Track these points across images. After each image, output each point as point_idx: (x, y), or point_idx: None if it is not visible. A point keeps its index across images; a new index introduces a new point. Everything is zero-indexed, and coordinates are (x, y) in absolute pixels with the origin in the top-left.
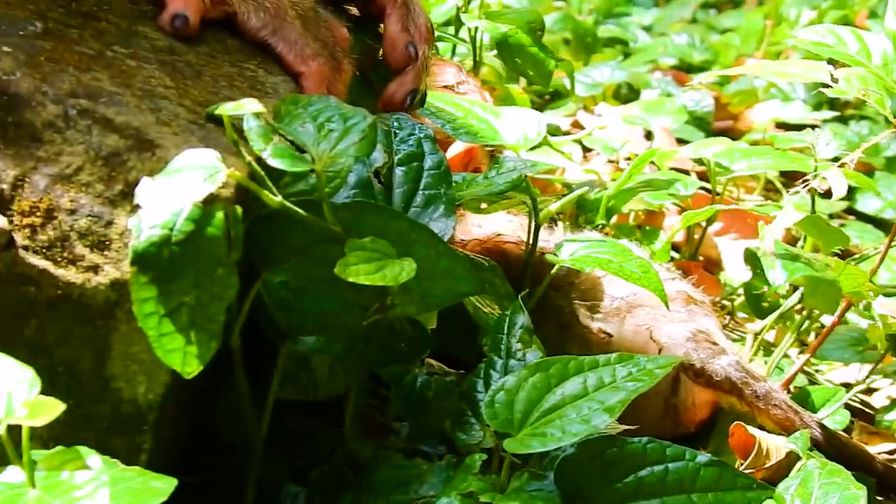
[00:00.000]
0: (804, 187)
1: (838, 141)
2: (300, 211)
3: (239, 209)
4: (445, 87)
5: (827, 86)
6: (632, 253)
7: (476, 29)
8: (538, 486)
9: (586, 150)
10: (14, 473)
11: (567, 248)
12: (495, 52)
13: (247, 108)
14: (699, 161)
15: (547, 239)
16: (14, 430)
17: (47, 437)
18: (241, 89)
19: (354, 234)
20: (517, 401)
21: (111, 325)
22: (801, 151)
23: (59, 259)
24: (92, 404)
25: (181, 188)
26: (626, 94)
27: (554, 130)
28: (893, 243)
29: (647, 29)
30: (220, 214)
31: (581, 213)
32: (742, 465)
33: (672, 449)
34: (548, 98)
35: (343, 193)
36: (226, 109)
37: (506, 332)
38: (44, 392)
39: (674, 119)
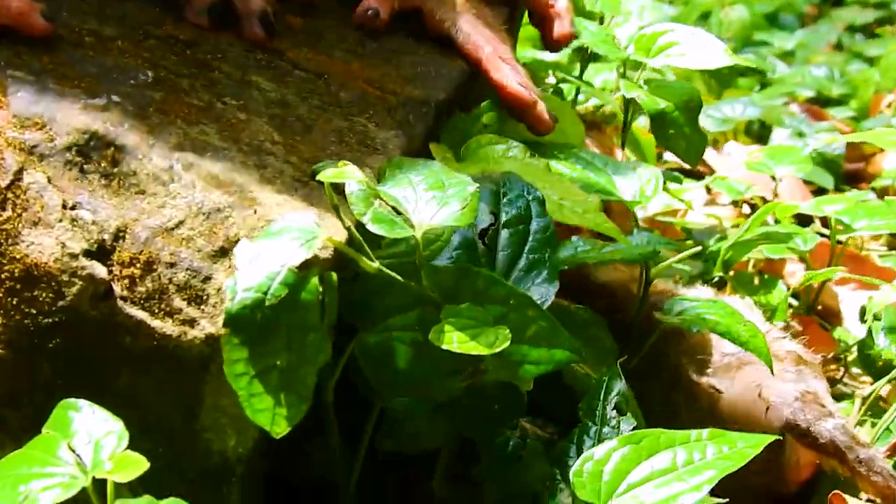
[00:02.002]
0: None
1: None
2: (397, 276)
3: (335, 276)
4: None
5: None
6: (741, 316)
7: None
8: None
9: (711, 190)
10: None
11: (677, 306)
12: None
13: (348, 177)
14: None
15: (660, 290)
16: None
17: (135, 483)
18: (350, 145)
19: (453, 299)
20: (605, 472)
21: (204, 378)
22: None
23: (157, 311)
24: (181, 455)
25: (278, 252)
26: (759, 130)
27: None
28: None
29: (791, 54)
30: (314, 280)
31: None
32: None
33: None
34: None
35: (445, 254)
36: (326, 176)
37: (602, 398)
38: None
39: (798, 168)
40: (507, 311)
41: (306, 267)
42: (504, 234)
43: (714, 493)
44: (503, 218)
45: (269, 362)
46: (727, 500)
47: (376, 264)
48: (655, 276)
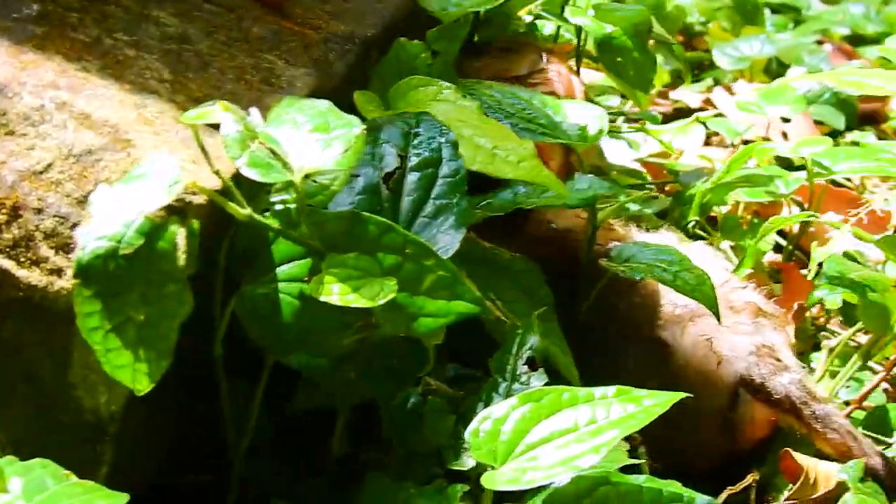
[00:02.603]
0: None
1: None
2: (271, 224)
3: (196, 223)
4: (517, 77)
5: None
6: (689, 262)
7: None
8: None
9: (714, 133)
10: None
11: (624, 252)
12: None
13: (209, 117)
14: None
15: (620, 235)
16: None
17: (6, 440)
18: (250, 84)
19: (343, 247)
20: (502, 432)
21: (72, 331)
22: None
23: (23, 259)
24: (53, 411)
25: (136, 198)
26: (777, 69)
27: (648, 118)
28: None
29: None
30: (172, 229)
31: (677, 207)
32: (790, 490)
33: (670, 490)
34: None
35: (347, 199)
36: (188, 118)
37: (513, 352)
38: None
39: (792, 109)
40: (402, 260)
41: (179, 214)
42: (411, 177)
43: (663, 449)
44: (412, 161)
45: (124, 315)
46: (644, 461)
47: (247, 211)
48: (602, 220)
